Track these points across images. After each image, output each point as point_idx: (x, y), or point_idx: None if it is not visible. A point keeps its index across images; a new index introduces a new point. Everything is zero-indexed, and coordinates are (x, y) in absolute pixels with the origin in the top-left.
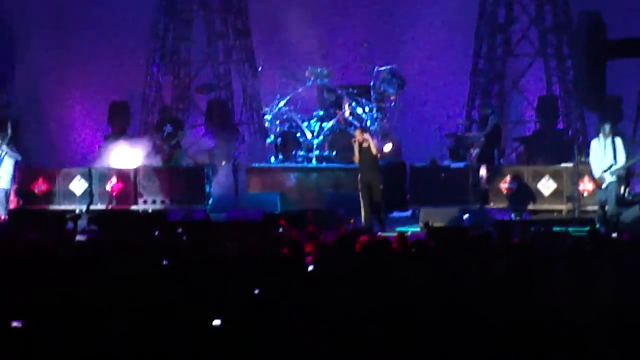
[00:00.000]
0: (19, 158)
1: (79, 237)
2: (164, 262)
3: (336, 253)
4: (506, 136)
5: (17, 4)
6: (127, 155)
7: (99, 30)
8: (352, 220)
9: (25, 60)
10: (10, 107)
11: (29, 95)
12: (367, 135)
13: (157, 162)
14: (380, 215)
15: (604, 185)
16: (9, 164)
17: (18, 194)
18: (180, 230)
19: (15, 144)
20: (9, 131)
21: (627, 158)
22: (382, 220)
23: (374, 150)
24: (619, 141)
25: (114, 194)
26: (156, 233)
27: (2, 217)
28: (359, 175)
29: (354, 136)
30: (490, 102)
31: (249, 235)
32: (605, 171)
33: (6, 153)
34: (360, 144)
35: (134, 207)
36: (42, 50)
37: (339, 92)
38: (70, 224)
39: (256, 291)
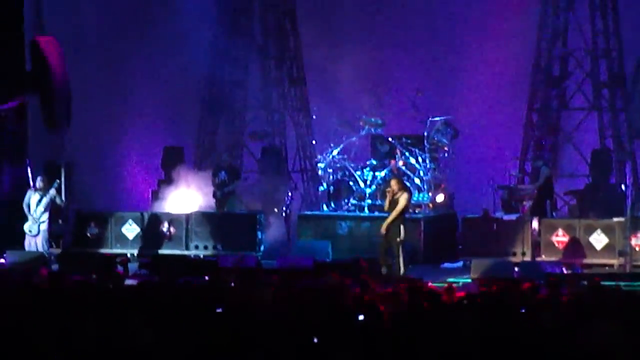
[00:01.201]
0: (63, 204)
1: (129, 281)
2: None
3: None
4: (559, 189)
5: (74, 48)
6: (180, 200)
7: (154, 74)
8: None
9: (81, 104)
10: (64, 150)
11: (83, 138)
12: (400, 188)
13: (210, 208)
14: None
15: None
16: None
17: (71, 236)
18: (231, 276)
19: (66, 188)
20: (61, 176)
21: None
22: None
23: (401, 204)
24: None
25: (166, 239)
26: (207, 278)
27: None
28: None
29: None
30: (544, 155)
31: (299, 283)
32: None
33: (54, 197)
34: (393, 194)
35: (186, 253)
36: (97, 94)
37: (393, 141)
38: (120, 268)
39: (315, 340)
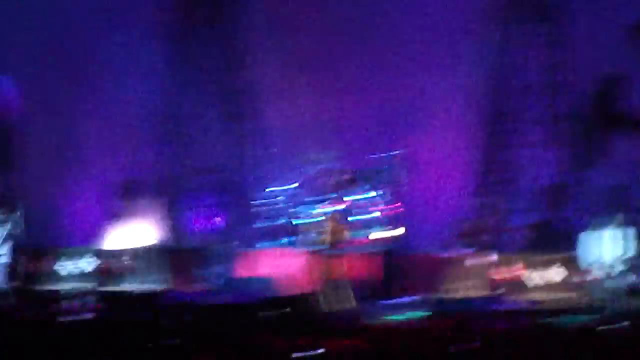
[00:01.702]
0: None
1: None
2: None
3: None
4: (517, 223)
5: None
6: (132, 235)
7: (107, 111)
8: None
9: (32, 140)
10: (18, 186)
11: (37, 174)
12: (340, 223)
13: (165, 241)
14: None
15: (613, 274)
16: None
17: (20, 272)
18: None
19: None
20: (18, 212)
21: (638, 248)
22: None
23: (343, 237)
24: (629, 231)
25: (119, 274)
26: (155, 313)
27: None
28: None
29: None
30: (500, 189)
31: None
32: (615, 260)
33: (10, 232)
34: (331, 230)
35: (135, 287)
36: (50, 129)
37: (349, 176)
38: (77, 302)
39: None
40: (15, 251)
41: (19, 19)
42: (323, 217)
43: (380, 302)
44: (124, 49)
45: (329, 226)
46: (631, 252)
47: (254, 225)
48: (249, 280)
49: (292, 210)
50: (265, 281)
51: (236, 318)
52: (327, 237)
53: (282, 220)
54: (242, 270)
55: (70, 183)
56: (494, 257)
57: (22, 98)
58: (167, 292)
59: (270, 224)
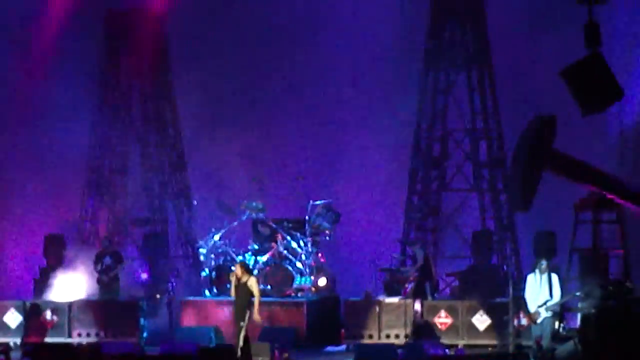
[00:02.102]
0: None
1: None
2: None
3: None
4: (441, 271)
5: None
6: (61, 288)
7: (34, 162)
8: (286, 355)
9: None
10: None
11: None
12: (244, 272)
13: (93, 295)
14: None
15: (539, 321)
16: None
17: None
18: None
19: None
20: None
21: (563, 294)
22: None
23: (256, 289)
24: (554, 277)
25: (49, 327)
26: None
27: None
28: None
29: (287, 270)
30: (421, 237)
31: None
32: (540, 306)
33: None
34: (238, 280)
35: (69, 340)
36: None
37: (274, 226)
38: (1, 357)
39: None
40: None
41: None
42: (263, 267)
43: (318, 349)
44: (52, 100)
45: (234, 275)
46: (557, 298)
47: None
48: (190, 330)
49: (229, 259)
50: (209, 330)
51: None
52: (233, 287)
53: (224, 270)
54: (184, 319)
55: None
56: (419, 304)
57: None
58: (103, 344)
59: (210, 274)
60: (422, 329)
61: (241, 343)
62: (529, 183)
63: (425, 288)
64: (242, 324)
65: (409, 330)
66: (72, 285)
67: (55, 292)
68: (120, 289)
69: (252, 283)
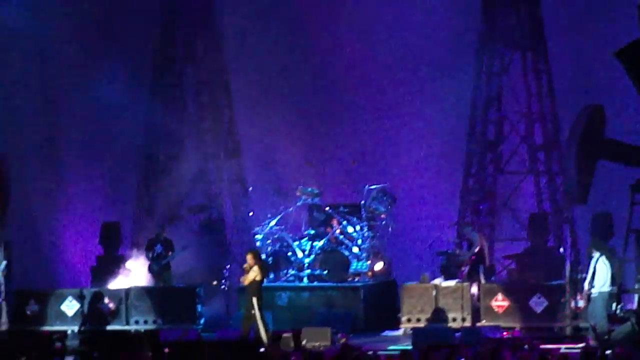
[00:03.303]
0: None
1: (69, 358)
2: None
3: None
4: (498, 254)
5: (8, 124)
6: (119, 275)
7: (91, 152)
8: (343, 339)
9: (19, 183)
10: (3, 228)
11: (21, 217)
12: (253, 260)
13: (149, 282)
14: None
15: (595, 302)
16: None
17: (9, 315)
18: (169, 350)
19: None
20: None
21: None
22: None
23: (253, 277)
24: (600, 263)
25: (106, 315)
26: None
27: None
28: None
29: (343, 255)
30: (481, 220)
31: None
32: (596, 289)
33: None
34: (250, 267)
35: (126, 328)
36: (35, 172)
37: (330, 211)
38: (58, 345)
39: None
40: (4, 296)
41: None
42: (319, 252)
43: (375, 333)
44: (106, 89)
45: (247, 265)
46: (613, 281)
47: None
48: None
49: (285, 245)
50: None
51: (235, 355)
52: (245, 276)
53: (280, 256)
54: (240, 305)
55: (55, 226)
56: (475, 287)
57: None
58: (160, 332)
59: (266, 259)
60: (479, 312)
61: (262, 330)
62: (584, 175)
63: (480, 271)
64: (253, 312)
65: (466, 314)
66: (127, 273)
67: (112, 279)
68: (172, 277)
69: (255, 268)
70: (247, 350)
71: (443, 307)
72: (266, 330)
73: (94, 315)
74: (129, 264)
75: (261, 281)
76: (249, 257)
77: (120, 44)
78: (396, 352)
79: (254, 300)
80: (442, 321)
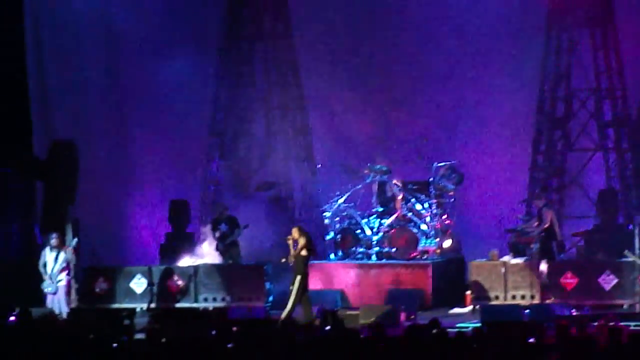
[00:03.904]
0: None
1: (138, 336)
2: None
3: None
4: (566, 231)
5: (78, 103)
6: (187, 253)
7: (159, 130)
8: (412, 317)
9: (87, 160)
10: (72, 207)
11: (89, 194)
12: (300, 236)
13: (217, 260)
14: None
15: None
16: (66, 264)
17: (78, 293)
18: (237, 328)
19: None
20: (73, 234)
21: None
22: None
23: (301, 252)
24: None
25: (175, 292)
26: (214, 332)
27: (63, 316)
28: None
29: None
30: (550, 197)
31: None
32: None
33: (70, 254)
34: (295, 242)
35: (194, 305)
36: (103, 149)
37: (398, 188)
38: (127, 322)
39: None
40: (73, 273)
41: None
42: (387, 229)
43: (443, 311)
44: (173, 67)
45: (290, 239)
46: None
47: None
48: (315, 293)
49: (353, 222)
50: (335, 294)
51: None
52: (290, 254)
53: (348, 233)
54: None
55: (123, 204)
56: (545, 264)
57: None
58: (230, 309)
59: (335, 237)
60: (548, 290)
61: (288, 308)
62: None
63: (552, 248)
64: (291, 287)
65: (535, 291)
66: (196, 250)
67: (180, 257)
68: (240, 255)
69: (301, 240)
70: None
71: (512, 284)
72: (292, 309)
73: (163, 292)
74: (204, 246)
75: (307, 258)
76: (294, 232)
77: (187, 22)
78: (465, 330)
79: (299, 277)
80: (510, 298)
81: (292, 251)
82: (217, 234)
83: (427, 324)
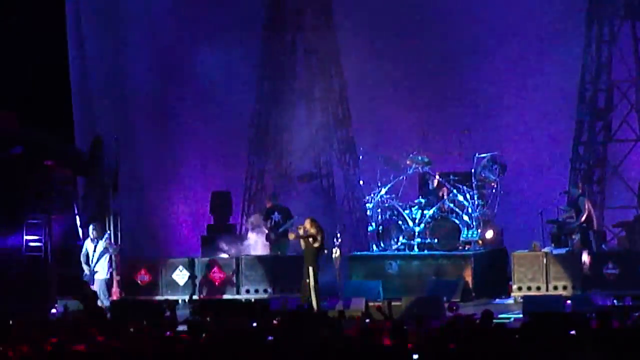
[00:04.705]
0: (115, 251)
1: (180, 327)
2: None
3: (444, 341)
4: (607, 222)
5: (121, 94)
6: (229, 244)
7: (200, 121)
8: (454, 308)
9: (128, 151)
10: (114, 199)
11: (130, 185)
12: (311, 227)
13: (261, 250)
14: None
15: None
16: (106, 255)
17: (121, 285)
18: (278, 319)
19: (115, 236)
20: (113, 226)
21: None
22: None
23: (313, 244)
24: None
25: (217, 284)
26: (255, 323)
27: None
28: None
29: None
30: (592, 188)
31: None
32: None
33: (105, 246)
34: (305, 233)
35: (237, 297)
36: (144, 141)
37: (440, 179)
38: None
39: None
40: (114, 266)
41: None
42: (430, 221)
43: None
44: (216, 58)
45: (302, 228)
46: None
47: (364, 230)
48: (357, 284)
49: (395, 213)
50: (377, 285)
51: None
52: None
53: (390, 224)
54: (351, 274)
55: (165, 195)
56: (586, 255)
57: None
58: (272, 301)
59: (377, 228)
60: (590, 280)
61: (314, 300)
62: None
63: (590, 238)
64: (307, 280)
65: (577, 282)
66: (238, 242)
67: (223, 248)
68: (287, 246)
69: (312, 231)
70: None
71: (554, 275)
72: (318, 301)
73: (205, 284)
74: (251, 237)
75: (318, 250)
76: (307, 222)
77: (230, 13)
78: (508, 321)
79: (310, 269)
80: (552, 289)
81: (302, 241)
82: (270, 224)
83: (480, 315)
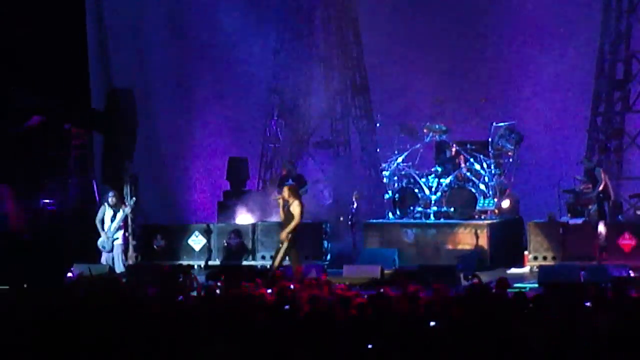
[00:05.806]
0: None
1: (195, 293)
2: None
3: (461, 309)
4: (624, 192)
5: (138, 60)
6: (245, 211)
7: (217, 86)
8: (469, 277)
9: (147, 117)
10: (131, 163)
11: (147, 151)
12: (289, 196)
13: (276, 217)
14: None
15: None
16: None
17: (137, 249)
18: (292, 286)
19: (135, 204)
20: (131, 193)
21: None
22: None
23: (296, 214)
24: None
25: (233, 250)
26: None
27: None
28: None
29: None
30: (609, 158)
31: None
32: None
33: (125, 214)
34: (285, 202)
35: (252, 263)
36: (162, 107)
37: (457, 148)
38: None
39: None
40: (131, 231)
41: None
42: (446, 189)
43: (501, 271)
44: (235, 25)
45: (281, 198)
46: None
47: (380, 198)
48: (373, 252)
49: (412, 182)
50: (393, 253)
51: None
52: (281, 211)
53: (407, 192)
54: (367, 242)
55: (182, 161)
56: (602, 225)
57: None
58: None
59: (393, 196)
60: (606, 251)
61: (276, 263)
62: None
63: (605, 209)
64: (280, 245)
65: (592, 252)
66: (254, 208)
67: (238, 214)
68: (304, 212)
69: (295, 206)
70: None
71: (570, 245)
72: (279, 264)
73: (221, 250)
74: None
75: (298, 217)
76: (285, 191)
77: None
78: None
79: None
80: (568, 259)
81: (281, 211)
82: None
83: (495, 283)
